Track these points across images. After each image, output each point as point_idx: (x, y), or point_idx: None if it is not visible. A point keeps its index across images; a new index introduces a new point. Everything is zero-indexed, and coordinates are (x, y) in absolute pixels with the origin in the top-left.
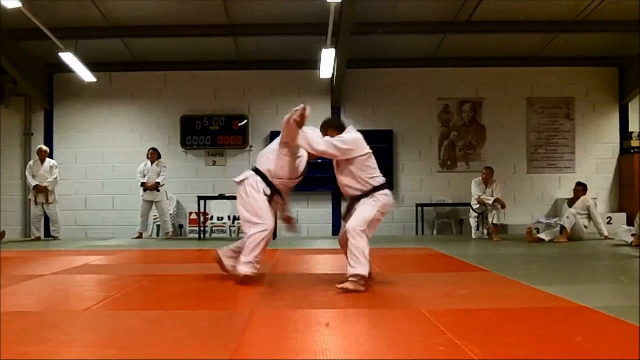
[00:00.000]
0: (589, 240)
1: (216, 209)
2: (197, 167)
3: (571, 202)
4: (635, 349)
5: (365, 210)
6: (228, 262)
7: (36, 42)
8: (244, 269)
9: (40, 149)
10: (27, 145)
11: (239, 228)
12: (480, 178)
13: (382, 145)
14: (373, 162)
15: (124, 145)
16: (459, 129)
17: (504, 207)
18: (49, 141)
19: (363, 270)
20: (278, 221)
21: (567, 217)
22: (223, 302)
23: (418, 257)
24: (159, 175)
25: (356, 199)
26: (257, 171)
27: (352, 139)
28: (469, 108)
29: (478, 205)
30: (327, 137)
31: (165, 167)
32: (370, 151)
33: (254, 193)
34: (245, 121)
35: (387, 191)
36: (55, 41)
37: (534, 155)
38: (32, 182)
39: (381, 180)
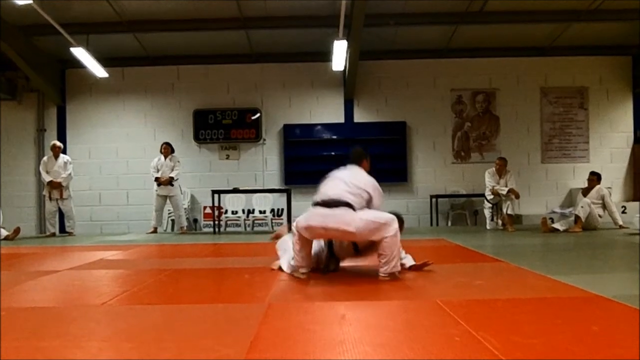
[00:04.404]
0: (603, 229)
1: (230, 202)
2: (211, 161)
3: (585, 192)
4: None
5: None
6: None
7: (48, 38)
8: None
9: (54, 144)
10: (40, 141)
11: (253, 221)
12: (494, 168)
13: (396, 136)
14: None
15: (138, 140)
16: (472, 119)
17: (517, 197)
18: (62, 137)
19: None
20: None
21: (582, 207)
22: (239, 295)
23: (433, 248)
24: (172, 169)
25: None
26: None
27: None
28: (482, 99)
29: (492, 196)
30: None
31: (178, 161)
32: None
33: None
34: (258, 114)
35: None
36: (66, 36)
37: (548, 145)
38: (46, 178)
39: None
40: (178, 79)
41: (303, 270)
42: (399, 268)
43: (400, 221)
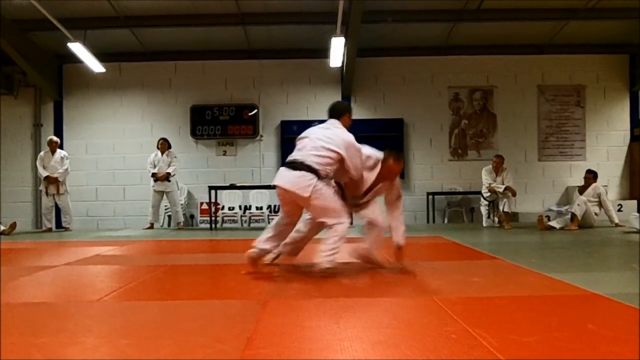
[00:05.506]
0: (599, 227)
1: (227, 198)
2: (208, 157)
3: (582, 190)
4: None
5: None
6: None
7: (45, 33)
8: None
9: (51, 139)
10: (37, 136)
11: (250, 217)
12: (491, 166)
13: (393, 133)
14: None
15: (135, 135)
16: (469, 117)
17: (514, 195)
18: (58, 132)
19: None
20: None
21: (578, 205)
22: (236, 291)
23: (430, 245)
24: (169, 165)
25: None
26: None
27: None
28: (480, 96)
29: (489, 194)
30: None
31: (175, 157)
32: None
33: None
34: (256, 110)
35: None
36: (64, 32)
37: (545, 143)
38: (43, 173)
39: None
40: (175, 75)
41: (262, 247)
42: (330, 264)
43: (397, 159)
